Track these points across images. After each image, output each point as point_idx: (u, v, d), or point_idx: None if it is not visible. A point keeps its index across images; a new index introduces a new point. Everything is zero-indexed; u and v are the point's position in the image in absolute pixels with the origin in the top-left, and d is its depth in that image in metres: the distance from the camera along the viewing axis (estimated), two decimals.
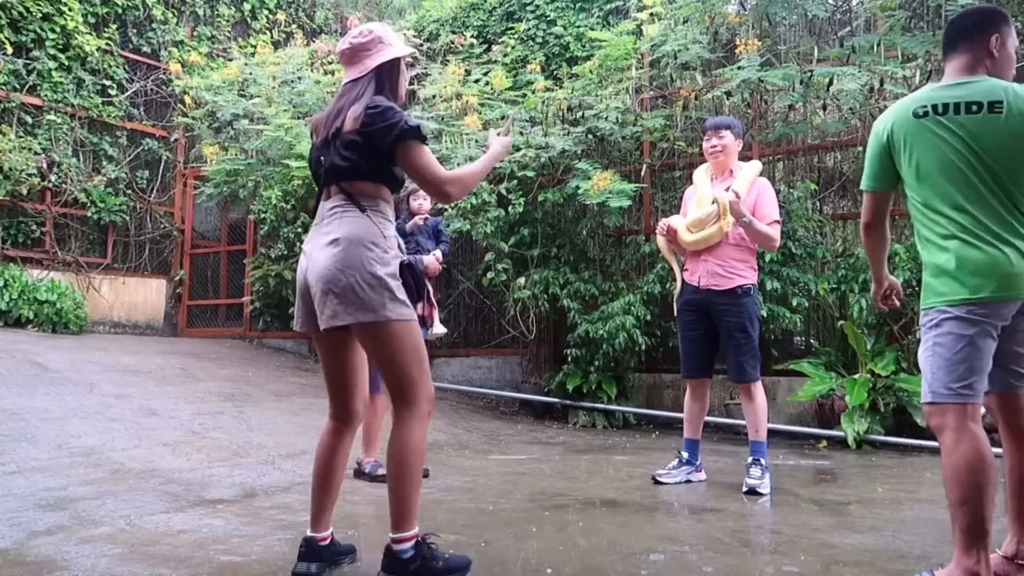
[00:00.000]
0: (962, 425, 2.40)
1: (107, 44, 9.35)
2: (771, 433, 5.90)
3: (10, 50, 8.46)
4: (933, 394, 2.36)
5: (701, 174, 4.25)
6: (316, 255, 2.38)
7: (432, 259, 4.34)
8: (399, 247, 2.55)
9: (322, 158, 2.44)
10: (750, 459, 3.97)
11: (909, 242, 5.89)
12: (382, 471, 4.13)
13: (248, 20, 11.02)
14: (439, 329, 4.40)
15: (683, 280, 4.20)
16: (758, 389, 4.01)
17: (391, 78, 2.48)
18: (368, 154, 2.36)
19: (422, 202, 4.47)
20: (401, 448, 2.35)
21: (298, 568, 2.42)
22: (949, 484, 2.40)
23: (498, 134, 2.77)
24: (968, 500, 2.37)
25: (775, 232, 3.98)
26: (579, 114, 6.77)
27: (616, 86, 6.76)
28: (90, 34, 9.17)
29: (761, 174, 4.20)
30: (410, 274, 2.43)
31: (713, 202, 3.95)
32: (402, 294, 2.36)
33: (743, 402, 4.09)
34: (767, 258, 5.87)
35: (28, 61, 8.67)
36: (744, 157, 4.59)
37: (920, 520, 3.33)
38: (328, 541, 2.50)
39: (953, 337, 2.28)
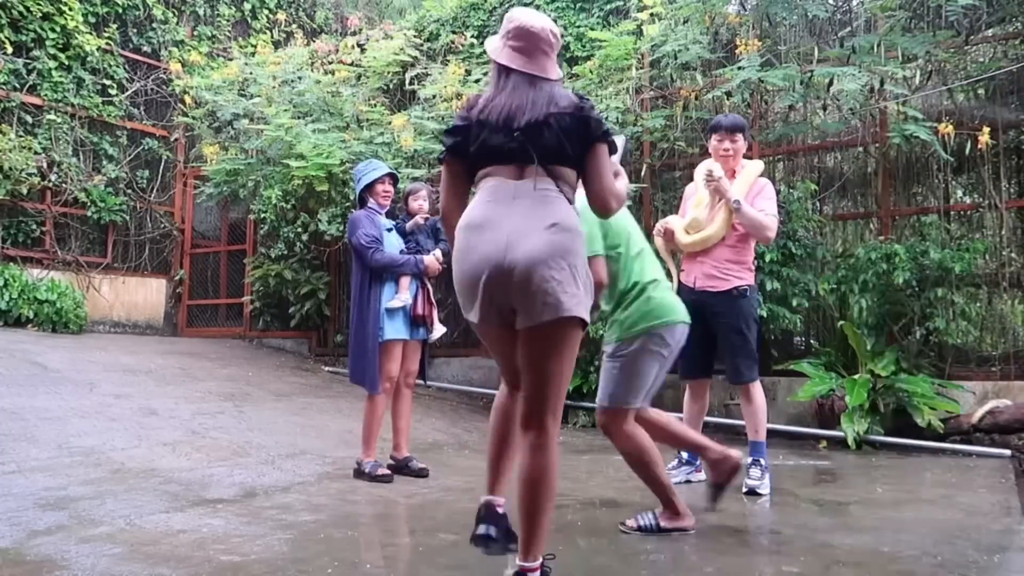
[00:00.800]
0: None
1: (107, 44, 9.35)
2: (771, 433, 5.89)
3: (10, 50, 8.45)
4: None
5: (700, 173, 4.24)
6: (528, 237, 2.12)
7: (432, 259, 4.33)
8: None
9: (518, 132, 2.20)
10: (749, 459, 3.96)
11: (909, 242, 5.90)
12: (382, 471, 4.13)
13: (248, 20, 11.02)
14: (439, 330, 4.40)
15: (679, 281, 4.20)
16: (757, 390, 4.00)
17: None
18: (577, 140, 2.23)
19: (422, 203, 4.46)
20: (550, 473, 2.22)
21: (479, 530, 2.31)
22: None
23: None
24: None
25: (769, 221, 3.94)
26: None
27: (616, 86, 6.76)
28: (90, 34, 9.17)
29: (762, 174, 4.19)
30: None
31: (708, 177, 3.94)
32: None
33: (742, 403, 4.09)
34: (767, 258, 5.87)
35: (28, 61, 8.67)
36: (745, 157, 4.58)
37: (920, 520, 3.33)
38: (504, 510, 2.37)
39: None
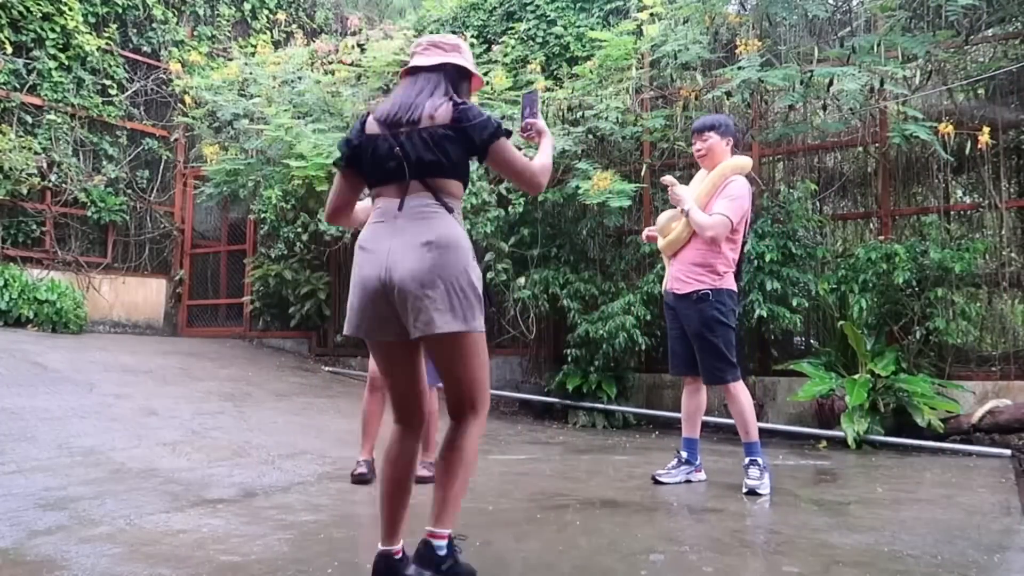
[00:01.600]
0: None
1: (107, 44, 9.36)
2: (771, 433, 5.92)
3: (10, 50, 8.46)
4: None
5: (698, 176, 4.25)
6: (405, 256, 2.23)
7: None
8: None
9: (396, 151, 2.28)
10: (747, 460, 3.96)
11: (909, 242, 5.90)
12: (358, 471, 4.11)
13: (248, 20, 11.02)
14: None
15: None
16: (737, 391, 3.97)
17: (462, 91, 2.43)
18: (459, 150, 2.30)
19: None
20: (465, 452, 2.34)
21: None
22: None
23: (526, 117, 2.69)
24: None
25: (713, 220, 3.88)
26: (579, 114, 6.77)
27: (616, 86, 6.76)
28: (90, 34, 9.17)
29: (758, 174, 4.19)
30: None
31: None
32: (482, 304, 2.33)
33: (728, 404, 4.09)
34: (767, 258, 5.88)
35: (28, 61, 8.67)
36: (744, 155, 4.58)
37: (920, 520, 3.33)
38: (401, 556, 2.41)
39: None
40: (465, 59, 2.45)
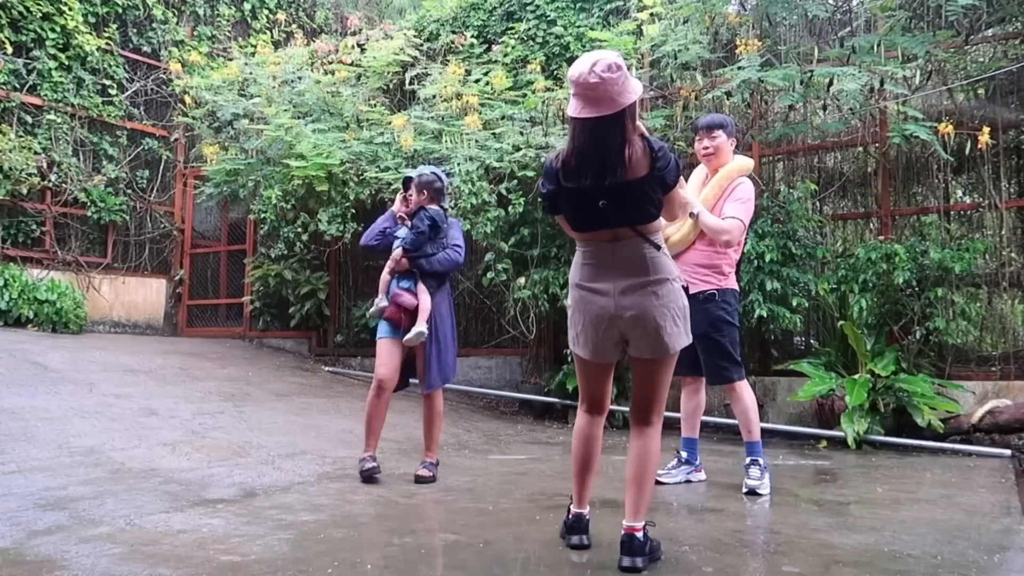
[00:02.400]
0: None
1: (107, 44, 9.35)
2: (771, 433, 5.92)
3: (10, 50, 8.45)
4: None
5: (694, 177, 4.23)
6: (632, 297, 2.57)
7: (396, 254, 4.23)
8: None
9: (602, 202, 2.50)
10: (747, 460, 3.96)
11: (909, 242, 5.90)
12: (365, 466, 4.10)
13: (248, 20, 11.02)
14: (415, 330, 4.11)
15: None
16: (742, 390, 3.98)
17: (634, 116, 2.53)
18: (659, 195, 2.56)
19: (411, 193, 4.39)
20: (654, 456, 2.70)
21: (572, 540, 2.79)
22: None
23: None
24: None
25: (728, 224, 3.86)
26: None
27: None
28: (90, 34, 9.17)
29: (758, 174, 4.17)
30: None
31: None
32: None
33: (731, 404, 4.09)
34: (767, 258, 5.87)
35: (28, 61, 8.67)
36: (745, 155, 4.57)
37: (920, 520, 3.33)
38: (588, 517, 2.84)
39: None
40: (636, 84, 2.51)
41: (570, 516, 2.84)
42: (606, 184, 2.47)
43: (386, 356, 4.20)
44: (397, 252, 4.25)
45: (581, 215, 2.61)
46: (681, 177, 2.64)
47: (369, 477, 4.07)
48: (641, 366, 2.71)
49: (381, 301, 4.20)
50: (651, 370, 2.69)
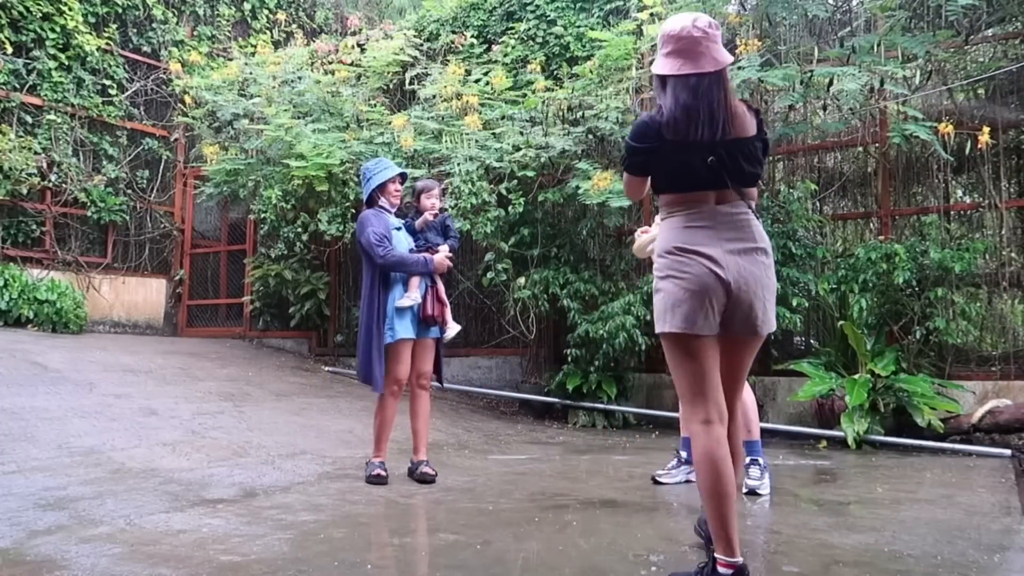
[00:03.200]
0: None
1: (107, 44, 9.35)
2: (771, 433, 5.92)
3: (10, 50, 8.45)
4: None
5: None
6: (745, 262, 2.35)
7: (441, 257, 4.24)
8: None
9: (711, 159, 2.32)
10: (747, 460, 3.95)
11: (909, 242, 5.90)
12: (376, 472, 4.09)
13: (248, 20, 11.02)
14: (453, 328, 4.30)
15: None
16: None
17: (729, 80, 2.43)
18: (763, 158, 2.44)
19: (435, 201, 4.41)
20: (735, 434, 2.45)
21: None
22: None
23: None
24: None
25: None
26: (579, 114, 6.76)
27: (616, 86, 6.75)
28: (90, 34, 9.17)
29: None
30: None
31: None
32: None
33: None
34: None
35: (28, 61, 8.67)
36: None
37: (920, 520, 3.33)
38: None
39: None
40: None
41: (721, 569, 2.25)
42: (718, 139, 2.31)
43: (406, 357, 4.16)
44: (442, 257, 4.25)
45: (685, 174, 2.37)
46: None
47: (379, 481, 4.06)
48: (736, 349, 2.46)
49: (416, 298, 4.18)
50: (746, 353, 2.49)
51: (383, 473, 4.09)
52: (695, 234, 2.36)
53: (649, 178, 2.48)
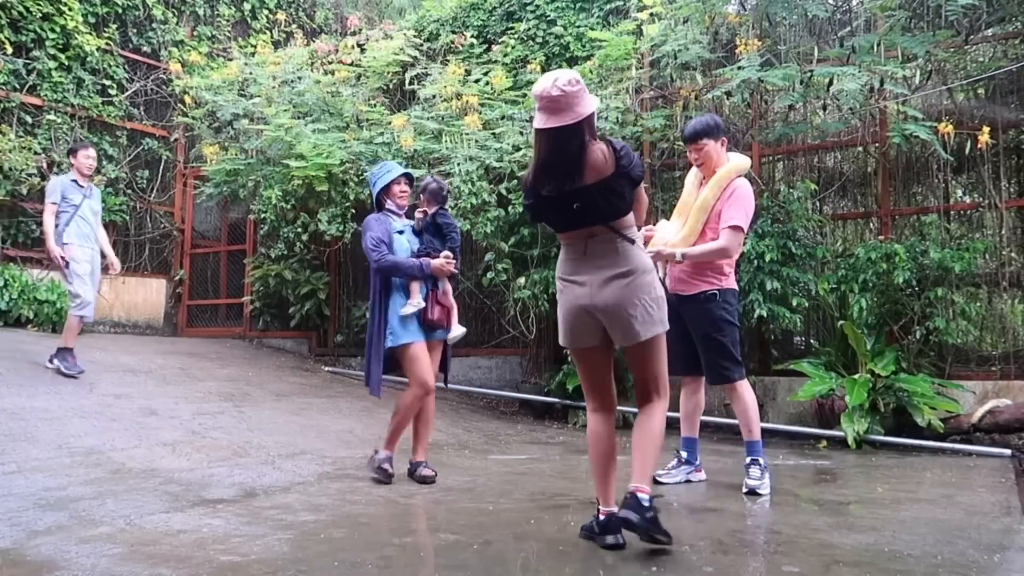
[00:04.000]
0: None
1: (107, 44, 9.35)
2: (771, 433, 5.92)
3: (10, 50, 8.45)
4: None
5: (690, 178, 4.23)
6: (604, 289, 2.78)
7: (440, 262, 4.19)
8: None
9: (575, 204, 2.72)
10: (748, 460, 3.96)
11: (909, 242, 5.90)
12: (384, 466, 4.09)
13: (248, 20, 11.02)
14: (458, 330, 4.30)
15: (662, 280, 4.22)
16: (742, 389, 3.97)
17: (592, 125, 2.75)
18: (627, 190, 2.75)
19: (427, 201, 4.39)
20: (655, 427, 2.88)
21: (607, 541, 2.80)
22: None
23: None
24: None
25: (724, 241, 3.85)
26: None
27: (616, 86, 6.76)
28: (90, 34, 9.17)
29: (757, 174, 4.14)
30: None
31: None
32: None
33: (732, 403, 4.08)
34: (767, 258, 5.87)
35: (28, 61, 8.66)
36: (744, 154, 4.55)
37: (920, 520, 3.33)
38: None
39: None
40: (593, 98, 2.75)
41: (601, 516, 2.88)
42: (569, 188, 2.70)
43: (422, 357, 4.13)
44: (440, 262, 4.21)
45: (559, 218, 2.84)
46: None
47: (384, 477, 4.06)
48: (629, 352, 2.92)
49: (420, 303, 4.17)
50: (637, 354, 2.89)
51: (390, 470, 4.08)
52: (572, 265, 2.87)
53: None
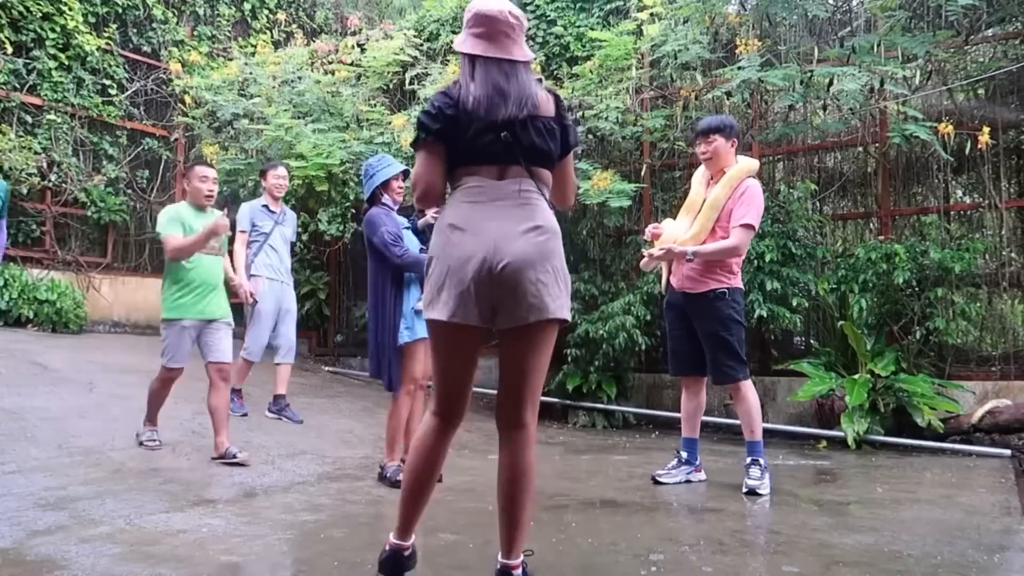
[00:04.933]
0: None
1: (107, 44, 9.34)
2: (771, 433, 5.91)
3: (10, 50, 8.45)
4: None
5: (698, 176, 4.24)
6: (513, 240, 2.19)
7: None
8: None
9: (503, 135, 2.22)
10: (748, 460, 3.96)
11: (909, 242, 5.90)
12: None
13: (248, 20, 11.01)
14: None
15: (667, 281, 4.22)
16: (746, 389, 3.97)
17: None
18: (556, 144, 2.32)
19: None
20: (530, 471, 2.26)
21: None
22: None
23: None
24: None
25: (735, 239, 3.88)
26: (579, 114, 6.76)
27: (616, 86, 6.76)
28: (90, 34, 9.16)
29: (758, 174, 4.16)
30: None
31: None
32: None
33: (734, 403, 4.08)
34: (767, 258, 5.88)
35: (28, 61, 8.66)
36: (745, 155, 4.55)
37: (920, 520, 3.34)
38: (411, 550, 2.41)
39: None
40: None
41: (387, 549, 2.35)
42: (505, 116, 2.23)
43: (424, 356, 4.08)
44: None
45: (475, 146, 2.25)
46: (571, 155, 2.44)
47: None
48: (514, 343, 2.24)
49: None
50: (526, 347, 2.23)
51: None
52: (470, 210, 2.24)
53: (443, 157, 2.30)
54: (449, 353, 2.28)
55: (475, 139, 2.24)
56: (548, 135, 2.29)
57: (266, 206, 5.77)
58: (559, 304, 2.21)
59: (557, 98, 2.37)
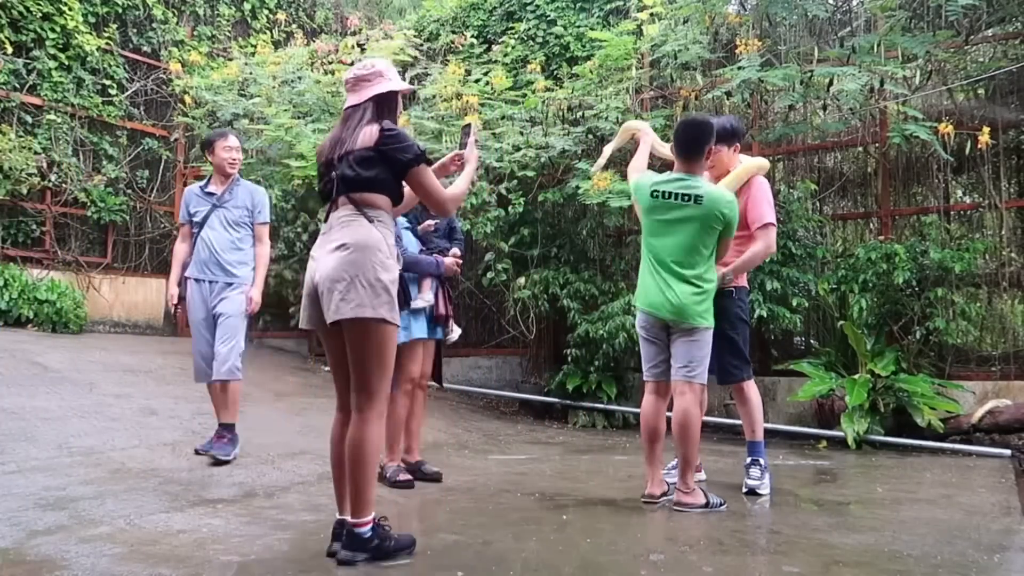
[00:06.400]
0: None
1: (107, 44, 9.35)
2: (771, 433, 5.91)
3: (10, 50, 8.45)
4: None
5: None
6: (323, 259, 2.64)
7: (451, 260, 4.24)
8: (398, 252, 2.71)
9: (333, 174, 2.72)
10: (748, 460, 3.96)
11: (909, 242, 5.90)
12: (403, 476, 4.02)
13: (248, 20, 11.01)
14: (456, 331, 4.35)
15: None
16: (750, 389, 3.97)
17: (390, 109, 2.79)
18: (380, 169, 2.67)
19: None
20: (364, 442, 2.59)
21: (333, 547, 2.65)
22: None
23: (461, 147, 3.08)
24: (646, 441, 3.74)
25: (762, 245, 3.88)
26: (579, 114, 6.76)
27: (616, 86, 6.76)
28: (90, 34, 9.16)
29: (758, 170, 4.13)
30: (401, 285, 2.71)
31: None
32: (394, 300, 2.64)
33: (736, 403, 4.08)
34: (767, 258, 5.87)
35: (28, 61, 8.66)
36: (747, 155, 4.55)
37: (920, 520, 3.33)
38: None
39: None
40: (390, 81, 2.78)
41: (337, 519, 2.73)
42: (331, 157, 2.73)
43: (420, 356, 4.17)
44: (452, 260, 4.26)
45: (321, 188, 2.86)
46: (424, 165, 2.72)
47: (408, 487, 3.96)
48: (342, 340, 2.65)
49: (430, 299, 4.17)
50: (350, 342, 2.60)
51: (407, 476, 4.02)
52: (318, 239, 2.77)
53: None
54: (327, 351, 2.77)
55: (320, 183, 2.87)
56: (365, 166, 2.66)
57: (204, 187, 4.74)
58: (352, 307, 2.55)
59: (382, 129, 2.68)
